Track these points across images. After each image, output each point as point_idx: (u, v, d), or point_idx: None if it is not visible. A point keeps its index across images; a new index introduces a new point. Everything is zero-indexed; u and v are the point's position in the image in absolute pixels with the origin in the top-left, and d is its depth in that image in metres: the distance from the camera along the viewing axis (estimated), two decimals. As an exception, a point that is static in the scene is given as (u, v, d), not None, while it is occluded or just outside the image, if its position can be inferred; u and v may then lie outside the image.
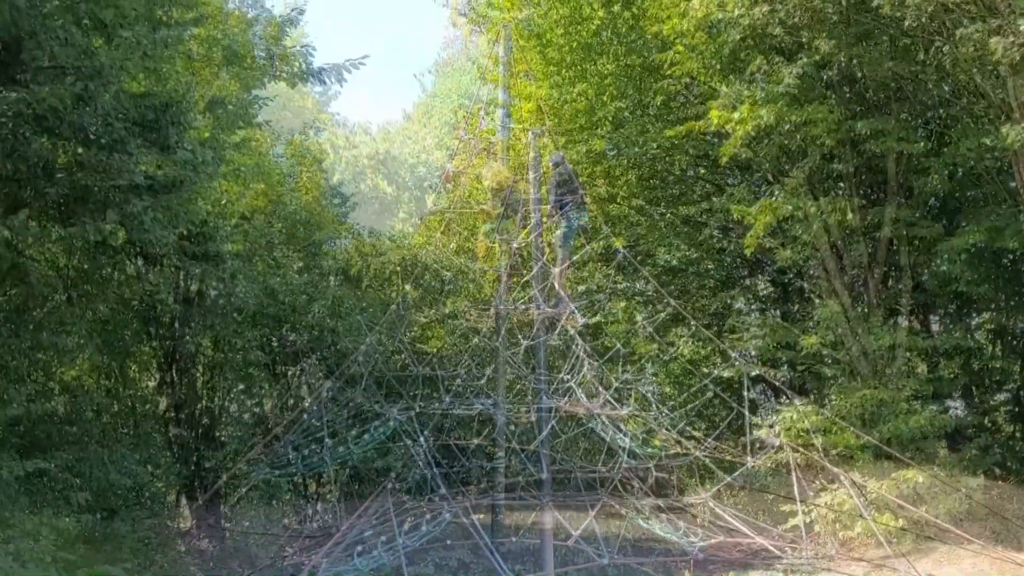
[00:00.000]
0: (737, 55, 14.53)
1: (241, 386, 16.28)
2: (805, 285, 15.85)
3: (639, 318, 15.58)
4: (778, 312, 18.43)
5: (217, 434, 16.48)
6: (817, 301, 15.88)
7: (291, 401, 15.66)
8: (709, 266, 17.96)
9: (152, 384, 15.99)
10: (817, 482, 15.15)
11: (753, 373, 13.83)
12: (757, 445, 15.84)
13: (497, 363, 11.40)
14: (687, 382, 16.03)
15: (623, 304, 17.30)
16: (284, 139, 20.34)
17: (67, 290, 13.06)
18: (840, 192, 14.95)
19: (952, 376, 16.11)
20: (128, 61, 10.53)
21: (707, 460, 11.55)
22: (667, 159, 17.46)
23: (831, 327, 15.50)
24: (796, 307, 17.56)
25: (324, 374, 15.95)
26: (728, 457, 11.85)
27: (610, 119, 17.19)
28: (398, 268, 16.71)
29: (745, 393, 10.68)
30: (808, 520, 14.04)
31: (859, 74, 14.44)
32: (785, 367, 18.32)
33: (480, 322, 12.52)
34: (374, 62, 54.72)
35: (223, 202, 15.85)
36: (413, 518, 11.49)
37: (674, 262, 18.02)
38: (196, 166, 11.38)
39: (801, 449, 14.25)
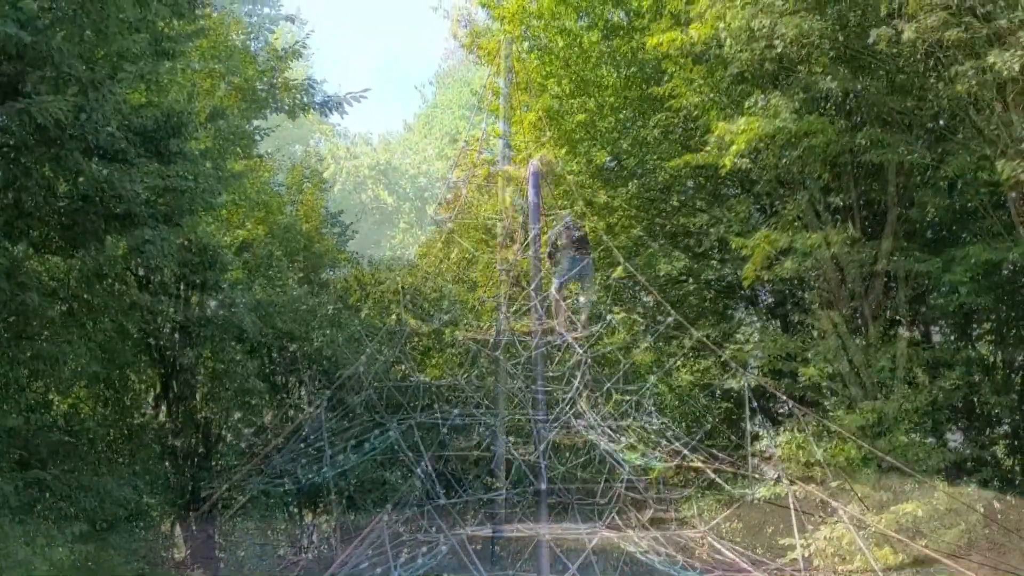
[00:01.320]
0: (733, 91, 14.65)
1: (238, 414, 16.25)
2: (806, 296, 15.73)
3: (638, 328, 15.52)
4: (778, 323, 18.40)
5: (215, 450, 16.44)
6: (818, 311, 15.84)
7: (290, 412, 15.65)
8: (709, 277, 17.89)
9: (151, 400, 15.91)
10: (816, 515, 15.08)
11: (754, 383, 13.72)
12: (757, 468, 15.83)
13: (497, 375, 11.35)
14: (688, 396, 15.99)
15: (621, 316, 17.23)
16: (285, 167, 20.48)
17: (65, 304, 13.10)
18: (837, 224, 14.99)
19: (954, 387, 16.03)
20: (129, 73, 10.65)
21: (713, 476, 11.41)
22: (667, 173, 17.57)
23: (830, 346, 15.50)
24: (797, 319, 17.49)
25: (323, 385, 15.96)
26: (729, 469, 11.74)
27: (610, 132, 17.29)
28: (397, 297, 16.73)
29: (746, 405, 10.63)
30: (807, 554, 13.95)
31: (857, 106, 14.59)
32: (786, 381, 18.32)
33: (479, 333, 12.50)
34: (374, 72, 55.09)
35: (222, 232, 15.92)
36: (409, 550, 11.42)
37: (674, 273, 17.98)
38: (196, 177, 11.43)
39: (799, 482, 14.20)
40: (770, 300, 18.93)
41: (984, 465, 15.58)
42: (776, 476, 15.11)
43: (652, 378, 13.24)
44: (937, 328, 16.86)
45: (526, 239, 13.03)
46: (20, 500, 10.18)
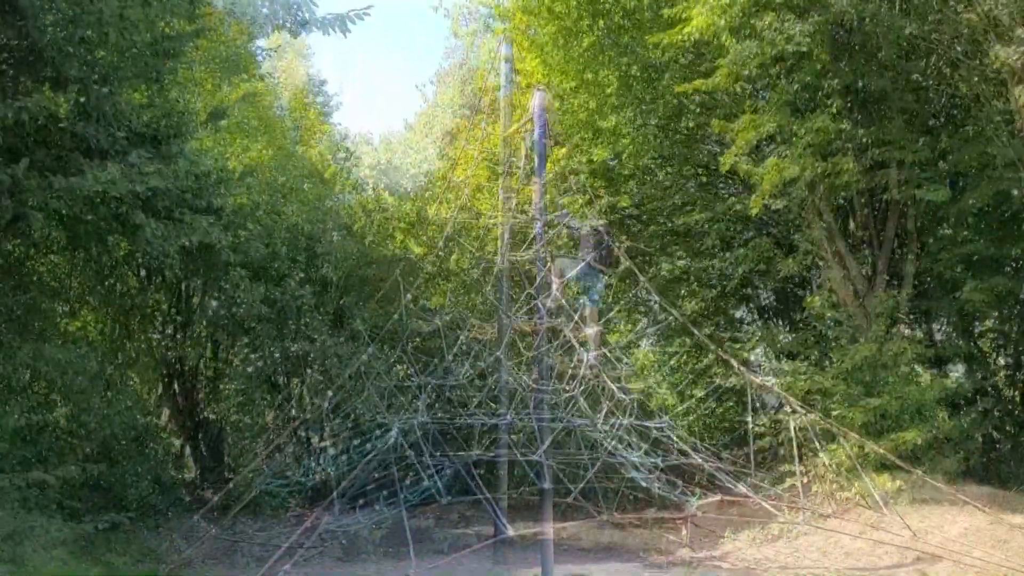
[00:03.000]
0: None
1: (245, 339, 16.35)
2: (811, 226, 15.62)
3: (640, 327, 15.47)
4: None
5: (222, 375, 16.66)
6: (821, 264, 15.82)
7: (292, 412, 15.78)
8: (712, 274, 17.75)
9: (159, 326, 16.03)
10: (815, 443, 15.27)
11: (758, 381, 13.65)
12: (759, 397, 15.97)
13: (500, 373, 11.24)
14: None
15: (624, 314, 17.24)
16: (287, 95, 20.19)
17: (69, 302, 13.27)
18: (847, 152, 14.78)
19: (954, 339, 16.12)
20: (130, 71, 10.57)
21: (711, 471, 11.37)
22: (669, 169, 17.51)
23: (834, 289, 15.49)
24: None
25: (325, 384, 16.12)
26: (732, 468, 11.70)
27: (611, 130, 17.03)
28: (401, 224, 16.68)
29: (749, 405, 10.60)
30: (805, 481, 14.18)
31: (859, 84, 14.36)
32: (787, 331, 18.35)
33: (483, 332, 12.33)
34: (375, 72, 54.01)
35: (227, 155, 15.78)
36: (414, 473, 11.58)
37: (677, 272, 17.87)
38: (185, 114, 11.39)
39: (800, 408, 14.35)
40: (772, 299, 18.84)
41: (984, 395, 15.65)
42: (778, 404, 15.28)
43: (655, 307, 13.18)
44: (941, 264, 16.75)
45: (531, 168, 12.85)
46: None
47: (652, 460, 10.43)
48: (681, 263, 17.68)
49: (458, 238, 17.82)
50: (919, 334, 15.18)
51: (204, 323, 15.83)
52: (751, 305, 18.16)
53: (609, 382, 11.26)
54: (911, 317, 15.59)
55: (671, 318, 15.90)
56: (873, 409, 14.20)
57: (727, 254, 16.39)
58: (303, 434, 17.29)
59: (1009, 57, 11.35)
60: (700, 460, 9.84)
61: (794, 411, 13.67)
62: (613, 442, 10.83)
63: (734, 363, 12.99)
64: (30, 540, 10.50)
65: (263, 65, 17.14)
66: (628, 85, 16.04)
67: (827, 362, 15.86)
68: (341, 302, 16.07)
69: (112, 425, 12.60)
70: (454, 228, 15.60)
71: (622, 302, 16.10)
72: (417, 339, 12.41)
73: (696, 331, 15.07)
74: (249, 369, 16.27)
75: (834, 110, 14.16)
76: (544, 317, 11.38)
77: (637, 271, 13.02)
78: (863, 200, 15.62)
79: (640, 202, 17.57)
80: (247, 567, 11.35)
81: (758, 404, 18.57)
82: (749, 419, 11.07)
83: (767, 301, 18.29)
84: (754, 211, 14.40)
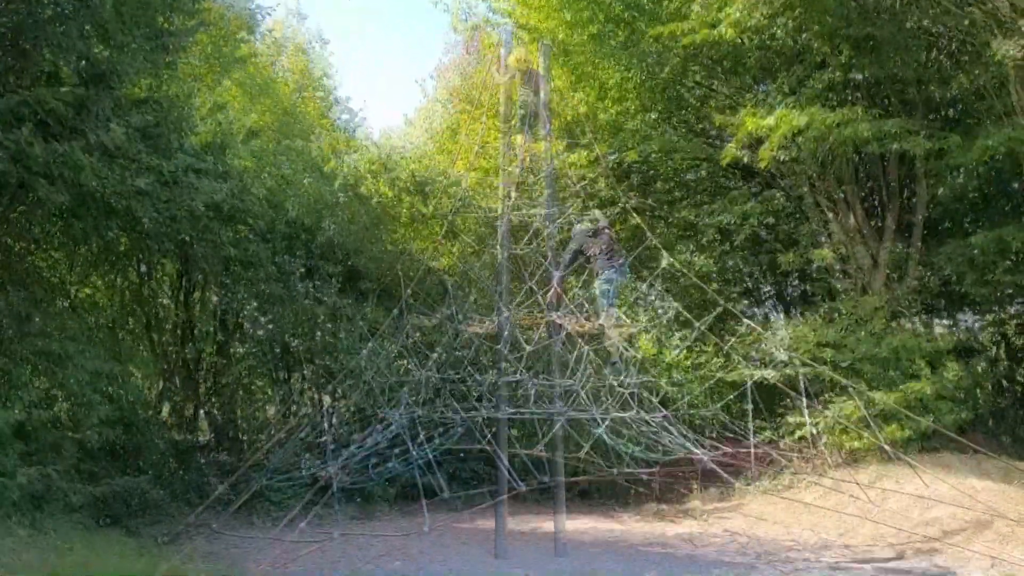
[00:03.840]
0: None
1: (254, 303, 16.38)
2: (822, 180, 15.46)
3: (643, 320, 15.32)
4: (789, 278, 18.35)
5: (232, 338, 16.73)
6: (831, 216, 15.73)
7: (293, 407, 15.81)
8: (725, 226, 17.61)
9: (167, 290, 16.06)
10: (825, 395, 15.32)
11: (764, 375, 13.49)
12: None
13: (499, 368, 11.14)
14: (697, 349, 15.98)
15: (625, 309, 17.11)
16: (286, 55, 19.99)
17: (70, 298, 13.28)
18: (857, 101, 14.63)
19: (963, 292, 16.04)
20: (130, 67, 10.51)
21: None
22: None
23: (843, 241, 15.43)
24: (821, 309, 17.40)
25: (326, 380, 16.13)
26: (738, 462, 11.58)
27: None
28: (407, 184, 16.56)
29: (749, 402, 10.52)
30: (815, 432, 14.25)
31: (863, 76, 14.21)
32: (797, 281, 18.31)
33: (483, 327, 12.17)
34: (376, 66, 53.32)
35: (230, 118, 15.64)
36: (426, 431, 11.65)
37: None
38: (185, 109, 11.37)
39: (810, 362, 14.38)
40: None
41: (993, 345, 15.66)
42: (787, 357, 15.29)
43: (664, 261, 13.06)
44: (947, 223, 16.65)
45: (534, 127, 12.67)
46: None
47: (654, 456, 10.38)
48: (687, 214, 17.61)
49: (466, 198, 17.78)
50: (930, 285, 15.15)
51: (213, 288, 15.85)
52: (760, 265, 18.11)
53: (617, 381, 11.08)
54: (921, 268, 15.53)
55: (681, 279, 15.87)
56: (883, 360, 14.24)
57: (736, 207, 16.28)
58: (315, 395, 17.43)
59: (1010, 51, 11.26)
60: (701, 455, 9.81)
61: (803, 364, 13.70)
62: (625, 442, 10.72)
63: (744, 320, 13.00)
64: (49, 504, 10.66)
65: (262, 24, 16.99)
66: (634, 42, 15.86)
67: (836, 315, 15.84)
68: (349, 263, 16.05)
69: (127, 392, 12.70)
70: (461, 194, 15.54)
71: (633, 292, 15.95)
72: (417, 334, 12.36)
73: (705, 286, 15.05)
74: (260, 332, 16.32)
75: (843, 60, 14.00)
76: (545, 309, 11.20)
77: (646, 227, 12.94)
78: (872, 151, 15.47)
79: (647, 157, 17.43)
80: (263, 527, 11.48)
81: (767, 358, 18.64)
82: (749, 416, 10.87)
83: (775, 255, 18.19)
84: (763, 164, 14.29)
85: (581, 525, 11.70)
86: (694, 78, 17.01)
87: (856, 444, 14.03)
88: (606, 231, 11.50)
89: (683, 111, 17.78)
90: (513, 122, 12.35)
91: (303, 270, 15.50)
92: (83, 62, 9.96)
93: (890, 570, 8.48)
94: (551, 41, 15.19)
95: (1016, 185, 13.94)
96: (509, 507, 10.50)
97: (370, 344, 12.54)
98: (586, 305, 11.73)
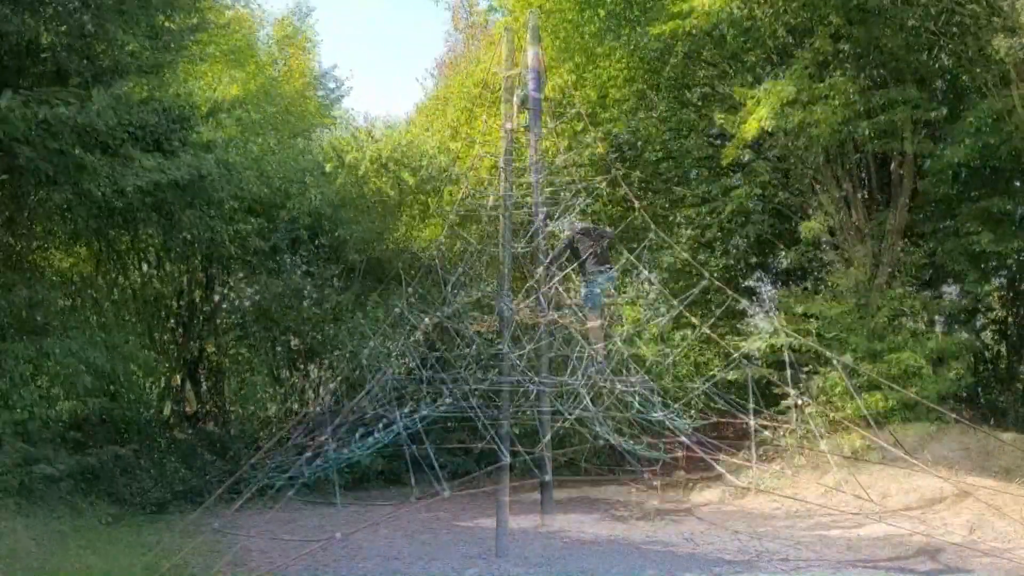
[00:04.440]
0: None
1: (241, 273, 16.31)
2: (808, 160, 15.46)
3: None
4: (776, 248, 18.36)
5: (219, 311, 16.67)
6: (818, 188, 15.75)
7: (295, 406, 15.74)
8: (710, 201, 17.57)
9: (153, 263, 15.94)
10: (810, 367, 15.43)
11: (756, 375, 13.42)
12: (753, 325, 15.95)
13: (502, 367, 11.03)
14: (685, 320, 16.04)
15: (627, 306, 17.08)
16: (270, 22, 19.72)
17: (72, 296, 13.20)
18: (846, 73, 14.57)
19: (947, 264, 16.11)
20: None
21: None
22: (678, 153, 17.37)
23: (830, 214, 15.45)
24: (812, 282, 17.43)
25: (328, 377, 16.04)
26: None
27: (605, 54, 16.79)
28: (388, 161, 16.41)
29: (750, 399, 10.47)
30: (799, 403, 14.36)
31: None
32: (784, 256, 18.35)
33: (484, 324, 12.06)
34: (377, 63, 52.63)
35: (214, 88, 15.43)
36: (413, 401, 11.66)
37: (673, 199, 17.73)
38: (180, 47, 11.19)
39: (795, 335, 14.45)
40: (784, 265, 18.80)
41: (977, 314, 15.77)
42: (772, 329, 15.37)
43: (651, 234, 13.02)
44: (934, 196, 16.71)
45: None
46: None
47: (657, 454, 10.35)
48: (677, 189, 17.56)
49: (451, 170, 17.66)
50: (915, 257, 15.20)
51: (199, 258, 15.73)
52: (748, 237, 18.11)
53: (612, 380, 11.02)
54: (907, 240, 15.60)
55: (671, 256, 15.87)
56: (867, 332, 14.35)
57: (723, 179, 16.28)
58: (302, 367, 17.41)
59: (1012, 48, 11.27)
60: (701, 452, 9.79)
61: (788, 335, 13.76)
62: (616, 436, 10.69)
63: (727, 291, 12.98)
64: (36, 473, 10.64)
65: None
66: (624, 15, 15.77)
67: (822, 287, 15.94)
68: (336, 234, 15.97)
69: (113, 360, 12.63)
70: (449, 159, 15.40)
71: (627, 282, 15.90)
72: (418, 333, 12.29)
73: (692, 260, 15.07)
74: (247, 303, 16.27)
75: (832, 30, 13.94)
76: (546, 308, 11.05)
77: (634, 199, 12.88)
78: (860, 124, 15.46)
79: (635, 129, 17.37)
80: (253, 501, 11.36)
81: (752, 329, 18.72)
82: (750, 412, 10.83)
83: (763, 231, 18.21)
84: (749, 135, 14.26)
85: (581, 523, 11.74)
86: (681, 49, 16.92)
87: (841, 414, 14.16)
88: (603, 235, 11.37)
89: (672, 87, 17.66)
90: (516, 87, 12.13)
91: (288, 241, 15.43)
92: (84, 61, 9.90)
93: (894, 569, 8.54)
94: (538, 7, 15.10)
95: (1003, 157, 13.97)
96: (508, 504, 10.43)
97: (372, 342, 12.48)
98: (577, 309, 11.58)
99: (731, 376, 13.84)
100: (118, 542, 9.73)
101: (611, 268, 11.12)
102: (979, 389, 16.49)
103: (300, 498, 12.29)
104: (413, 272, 14.19)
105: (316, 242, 16.00)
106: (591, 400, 10.60)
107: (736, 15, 14.17)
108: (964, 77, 14.26)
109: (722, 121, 14.87)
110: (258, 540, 9.97)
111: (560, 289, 11.05)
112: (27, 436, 10.53)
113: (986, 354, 16.81)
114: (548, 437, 10.97)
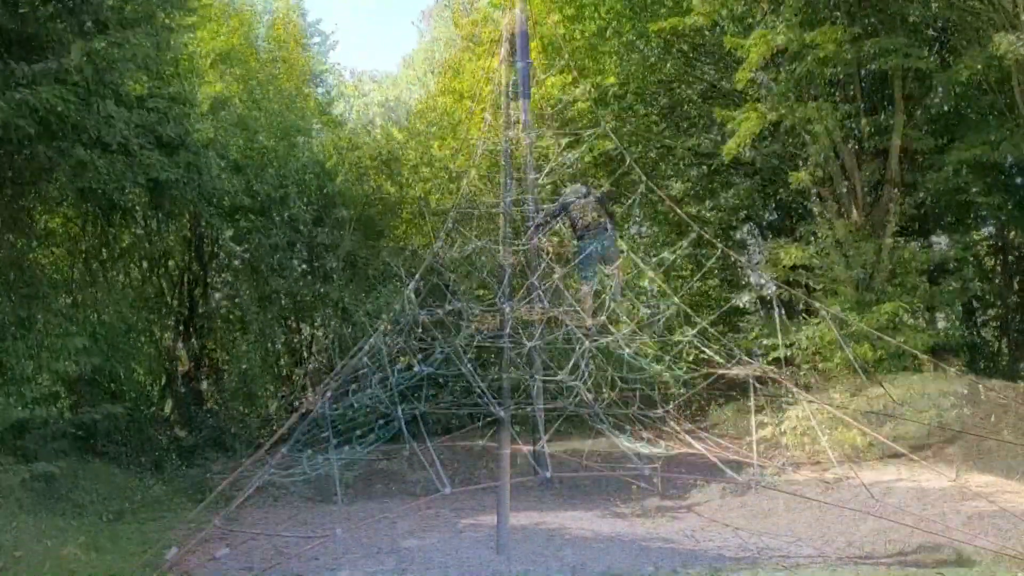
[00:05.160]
0: None
1: (230, 232, 16.23)
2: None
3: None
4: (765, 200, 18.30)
5: (209, 267, 16.64)
6: (807, 137, 15.67)
7: (296, 403, 15.70)
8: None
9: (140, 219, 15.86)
10: (799, 317, 15.53)
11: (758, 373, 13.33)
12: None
13: (502, 363, 10.95)
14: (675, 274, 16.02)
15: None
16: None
17: (71, 294, 13.25)
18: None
19: (937, 212, 16.17)
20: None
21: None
22: (673, 90, 17.20)
23: (820, 164, 15.40)
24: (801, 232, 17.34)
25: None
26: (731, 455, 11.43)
27: (615, 53, 16.60)
28: (373, 163, 16.28)
29: (751, 397, 10.43)
30: (788, 354, 14.48)
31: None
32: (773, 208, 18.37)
33: (484, 321, 11.93)
34: (368, 13, 51.35)
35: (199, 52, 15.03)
36: (406, 358, 11.69)
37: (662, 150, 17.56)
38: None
39: (784, 286, 14.53)
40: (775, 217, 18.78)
41: (965, 265, 15.82)
42: (763, 282, 15.46)
43: (642, 186, 12.97)
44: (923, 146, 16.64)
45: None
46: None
47: (658, 451, 10.31)
48: (666, 140, 17.47)
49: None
50: (904, 207, 15.21)
51: (187, 216, 15.63)
52: (738, 186, 18.05)
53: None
54: (896, 191, 15.58)
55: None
56: (856, 282, 14.41)
57: (714, 128, 16.18)
58: (292, 323, 17.42)
59: (1013, 45, 11.18)
60: (703, 449, 9.78)
61: (778, 287, 13.84)
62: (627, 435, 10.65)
63: (717, 244, 12.98)
64: (31, 433, 10.71)
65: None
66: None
67: (812, 237, 15.95)
68: (324, 191, 15.88)
69: (105, 316, 12.66)
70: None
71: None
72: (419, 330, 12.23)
73: (680, 212, 15.03)
74: (236, 262, 16.21)
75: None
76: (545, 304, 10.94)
77: (625, 152, 12.81)
78: (850, 73, 15.34)
79: (625, 79, 17.19)
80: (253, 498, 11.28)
81: (743, 282, 18.81)
82: (751, 409, 10.81)
83: (753, 182, 18.15)
84: (740, 85, 14.15)
85: (582, 520, 11.78)
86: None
87: (829, 364, 14.31)
88: (598, 198, 11.17)
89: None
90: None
91: (278, 197, 15.32)
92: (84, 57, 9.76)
93: (895, 565, 8.59)
94: None
95: (992, 107, 13.94)
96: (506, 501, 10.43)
97: (372, 339, 12.44)
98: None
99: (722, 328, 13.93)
100: (119, 539, 9.76)
101: (609, 232, 10.94)
102: (969, 337, 16.58)
103: (300, 495, 12.42)
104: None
105: (305, 199, 15.90)
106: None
107: None
108: (954, 17, 14.04)
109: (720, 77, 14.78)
110: (259, 537, 10.03)
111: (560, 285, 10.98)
112: (19, 396, 10.57)
113: (975, 303, 16.90)
114: (547, 436, 10.92)
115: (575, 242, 11.08)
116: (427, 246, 15.81)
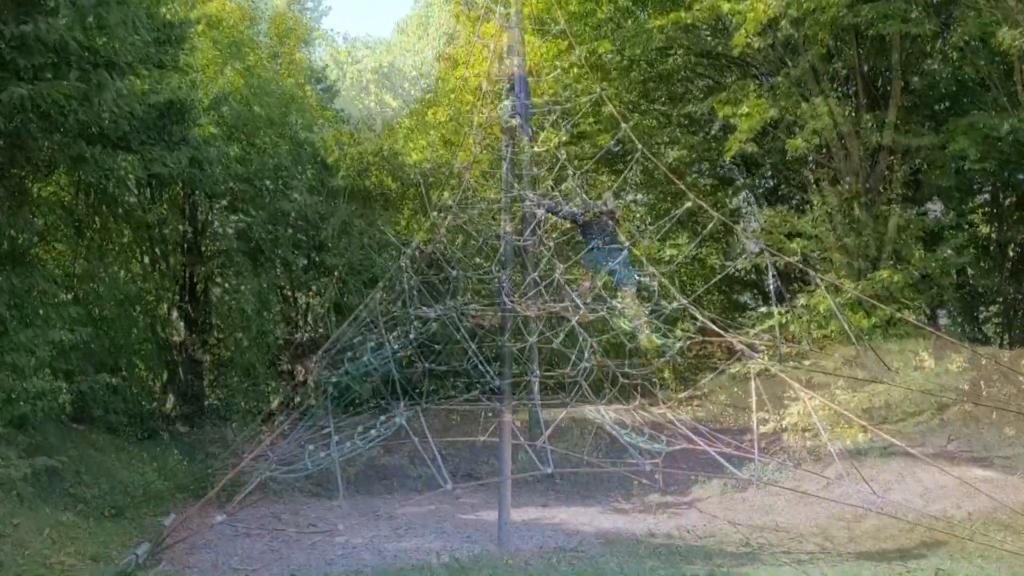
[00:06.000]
0: None
1: (224, 200, 16.14)
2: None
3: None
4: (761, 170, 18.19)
5: (203, 235, 16.58)
6: (804, 104, 15.57)
7: (297, 399, 15.64)
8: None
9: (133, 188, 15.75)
10: (795, 285, 15.54)
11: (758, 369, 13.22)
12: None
13: (503, 359, 10.90)
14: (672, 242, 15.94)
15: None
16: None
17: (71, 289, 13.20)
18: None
19: (932, 181, 16.06)
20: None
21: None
22: (667, 57, 16.90)
23: (818, 131, 15.30)
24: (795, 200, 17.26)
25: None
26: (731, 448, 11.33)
27: (609, 19, 16.33)
28: (375, 159, 16.12)
29: (753, 395, 10.37)
30: (783, 321, 14.49)
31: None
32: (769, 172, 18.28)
33: (485, 319, 11.85)
34: None
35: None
36: (399, 328, 11.69)
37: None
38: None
39: (778, 253, 14.49)
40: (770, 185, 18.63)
41: (961, 231, 15.77)
42: (759, 250, 15.40)
43: (638, 153, 12.87)
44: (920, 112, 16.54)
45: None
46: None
47: (659, 447, 10.31)
48: (663, 108, 17.35)
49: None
50: (900, 174, 15.15)
51: (180, 186, 15.51)
52: (735, 158, 18.00)
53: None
54: (892, 158, 15.52)
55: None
56: (850, 250, 14.40)
57: (710, 97, 16.03)
58: (289, 294, 17.38)
59: (1016, 39, 11.07)
60: (703, 444, 9.75)
61: (773, 256, 13.78)
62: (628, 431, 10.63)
63: (714, 213, 12.93)
64: (26, 401, 10.69)
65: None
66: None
67: (808, 206, 15.91)
68: (316, 160, 15.80)
69: (99, 287, 12.63)
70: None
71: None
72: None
73: (676, 180, 14.96)
74: (230, 231, 16.14)
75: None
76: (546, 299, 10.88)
77: (621, 119, 12.72)
78: (848, 37, 15.20)
79: (621, 47, 17.01)
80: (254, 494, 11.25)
81: (740, 250, 18.75)
82: (753, 409, 10.76)
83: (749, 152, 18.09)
84: (736, 51, 14.03)
85: (583, 515, 11.81)
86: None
87: (824, 332, 14.32)
88: (610, 214, 11.20)
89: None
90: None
91: (271, 167, 15.24)
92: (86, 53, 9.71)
93: (896, 560, 8.61)
94: None
95: (990, 73, 13.83)
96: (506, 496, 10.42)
97: (373, 336, 12.41)
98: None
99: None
100: (120, 533, 9.78)
101: (622, 250, 11.04)
102: (965, 301, 16.58)
103: (302, 491, 12.45)
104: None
105: (299, 168, 15.82)
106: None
107: None
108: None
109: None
110: (260, 531, 10.06)
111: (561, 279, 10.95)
112: (15, 366, 10.54)
113: (968, 270, 16.88)
114: (548, 432, 10.89)
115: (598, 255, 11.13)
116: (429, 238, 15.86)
